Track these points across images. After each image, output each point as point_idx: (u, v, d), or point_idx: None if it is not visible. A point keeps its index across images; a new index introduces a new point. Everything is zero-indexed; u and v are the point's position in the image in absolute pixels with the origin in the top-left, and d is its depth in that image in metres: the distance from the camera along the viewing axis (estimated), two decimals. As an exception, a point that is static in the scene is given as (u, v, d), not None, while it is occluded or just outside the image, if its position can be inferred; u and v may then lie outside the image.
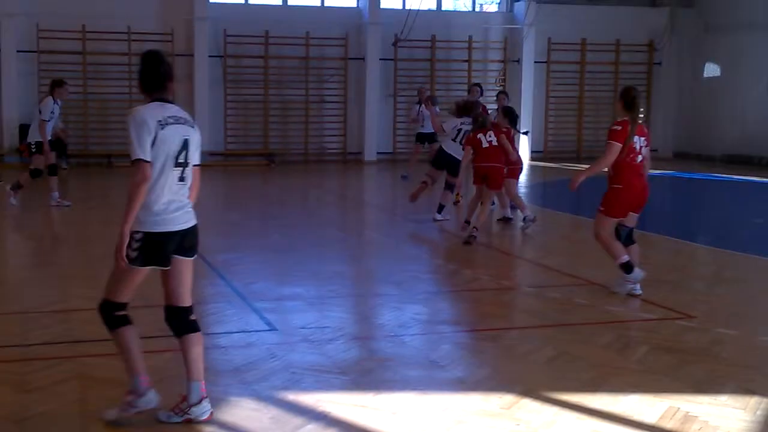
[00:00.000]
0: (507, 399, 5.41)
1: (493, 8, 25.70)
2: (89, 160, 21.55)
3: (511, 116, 12.32)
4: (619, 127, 7.97)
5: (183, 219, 4.98)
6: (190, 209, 5.07)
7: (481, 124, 11.41)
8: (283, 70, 23.24)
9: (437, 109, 16.28)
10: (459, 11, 24.96)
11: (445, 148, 12.91)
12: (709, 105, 24.79)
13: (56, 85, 13.84)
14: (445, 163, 12.83)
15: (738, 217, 14.73)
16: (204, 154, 20.80)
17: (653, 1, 25.67)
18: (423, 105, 17.75)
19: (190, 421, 5.02)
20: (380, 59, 23.45)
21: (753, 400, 5.44)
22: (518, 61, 24.58)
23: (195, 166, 5.09)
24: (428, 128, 17.53)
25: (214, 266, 9.56)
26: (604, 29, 24.58)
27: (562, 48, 24.71)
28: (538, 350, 6.44)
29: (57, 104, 13.80)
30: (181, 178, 4.97)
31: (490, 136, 11.21)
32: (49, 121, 13.63)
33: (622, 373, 5.93)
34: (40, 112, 13.66)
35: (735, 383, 5.74)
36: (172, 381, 5.51)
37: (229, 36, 22.43)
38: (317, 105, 23.68)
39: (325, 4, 23.89)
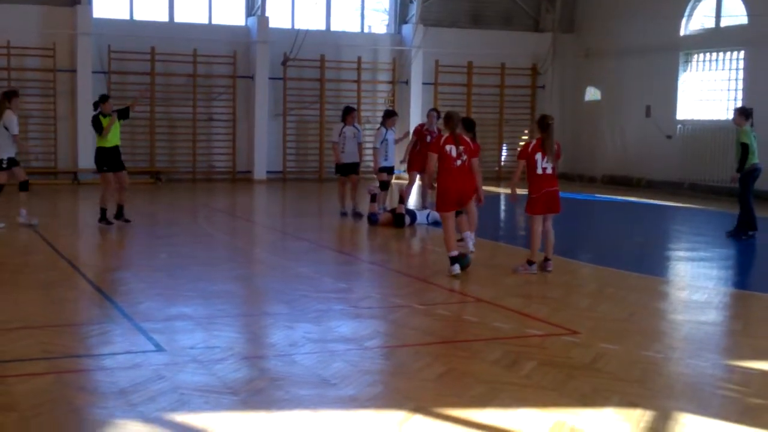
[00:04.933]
0: (399, 416, 5.42)
1: (381, 30, 25.97)
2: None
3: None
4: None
5: None
6: None
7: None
8: (169, 88, 22.90)
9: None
10: (348, 32, 25.10)
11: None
12: (590, 127, 25.59)
13: (13, 95, 13.60)
14: None
15: (618, 236, 15.21)
16: (87, 172, 20.37)
17: (536, 27, 26.41)
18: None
19: None
20: (269, 78, 23.36)
21: (636, 413, 5.59)
22: (407, 82, 24.88)
23: None
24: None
25: (99, 286, 9.31)
26: (490, 53, 25.17)
27: (449, 70, 25.15)
28: (429, 367, 6.48)
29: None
30: None
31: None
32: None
33: (510, 389, 6.02)
34: (6, 128, 13.30)
35: (619, 397, 5.90)
36: (54, 405, 5.31)
37: (113, 52, 21.99)
38: (205, 123, 23.40)
39: (213, 22, 23.67)
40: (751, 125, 13.75)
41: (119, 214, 14.11)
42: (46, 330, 7.39)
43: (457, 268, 10.08)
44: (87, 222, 16.45)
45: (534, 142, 10.42)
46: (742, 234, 13.77)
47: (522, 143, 26.34)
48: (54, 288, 9.28)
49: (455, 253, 10.14)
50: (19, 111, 14.21)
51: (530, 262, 10.47)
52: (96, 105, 14.06)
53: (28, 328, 7.42)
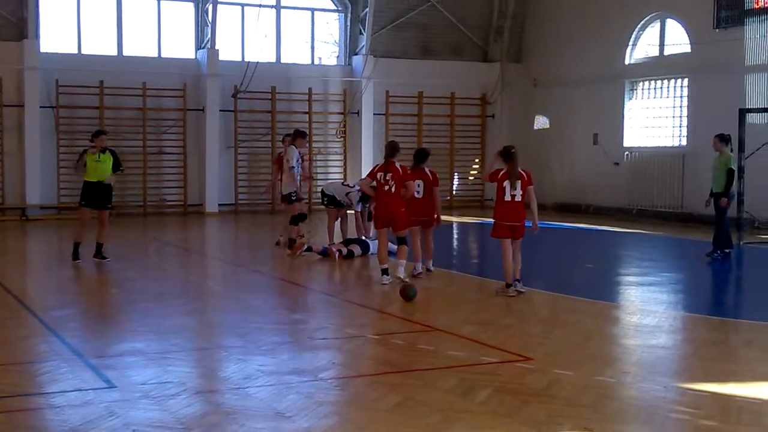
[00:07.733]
0: (355, 447, 5.40)
1: (332, 61, 26.08)
2: None
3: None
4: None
5: None
6: None
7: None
8: (119, 121, 22.71)
9: None
10: (298, 64, 25.16)
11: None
12: (540, 156, 25.82)
13: (299, 135, 15.06)
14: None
15: (569, 262, 15.36)
16: (35, 208, 20.02)
17: (485, 57, 26.73)
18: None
19: None
20: (220, 110, 23.31)
21: (590, 437, 5.64)
22: (358, 112, 24.98)
23: None
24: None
25: (47, 323, 9.16)
26: (440, 83, 25.40)
27: (400, 101, 25.32)
28: (384, 397, 6.47)
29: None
30: None
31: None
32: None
33: (465, 417, 6.04)
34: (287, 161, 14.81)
35: (573, 422, 5.94)
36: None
37: (61, 86, 21.78)
38: (156, 156, 23.24)
39: (162, 55, 23.58)
40: (731, 150, 14.44)
41: (97, 252, 13.90)
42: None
43: (386, 278, 11.56)
44: (35, 258, 16.21)
45: (504, 170, 10.75)
46: (719, 251, 14.28)
47: (474, 172, 26.61)
48: (2, 326, 9.11)
49: (386, 266, 11.71)
50: None
51: (507, 285, 10.80)
52: (92, 140, 14.38)
53: (-24, 368, 7.26)
